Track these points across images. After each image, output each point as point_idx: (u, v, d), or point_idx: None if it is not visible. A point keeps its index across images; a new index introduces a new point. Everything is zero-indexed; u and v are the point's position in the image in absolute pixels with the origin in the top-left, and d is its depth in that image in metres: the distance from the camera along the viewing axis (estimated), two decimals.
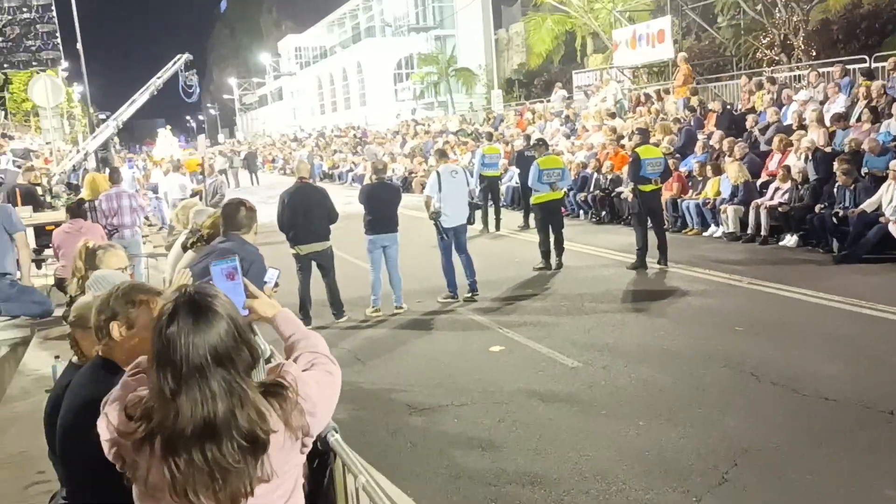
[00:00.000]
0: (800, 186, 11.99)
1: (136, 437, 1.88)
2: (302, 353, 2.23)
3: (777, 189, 12.44)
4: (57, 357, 4.57)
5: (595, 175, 16.72)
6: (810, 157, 12.24)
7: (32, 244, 10.01)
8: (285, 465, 1.98)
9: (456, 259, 9.99)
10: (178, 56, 21.35)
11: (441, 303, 9.81)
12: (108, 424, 1.98)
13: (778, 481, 4.71)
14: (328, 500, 2.85)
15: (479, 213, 13.48)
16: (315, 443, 3.01)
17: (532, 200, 11.73)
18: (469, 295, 9.89)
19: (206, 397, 1.83)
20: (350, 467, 2.57)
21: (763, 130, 14.66)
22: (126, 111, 19.34)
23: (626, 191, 14.11)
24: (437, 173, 9.93)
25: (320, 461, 2.92)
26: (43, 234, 11.28)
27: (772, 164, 13.35)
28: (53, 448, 3.01)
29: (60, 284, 8.11)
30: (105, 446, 1.98)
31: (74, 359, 3.17)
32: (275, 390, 1.95)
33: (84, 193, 13.57)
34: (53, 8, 16.13)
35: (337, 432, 2.82)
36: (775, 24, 19.87)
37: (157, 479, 1.87)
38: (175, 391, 1.83)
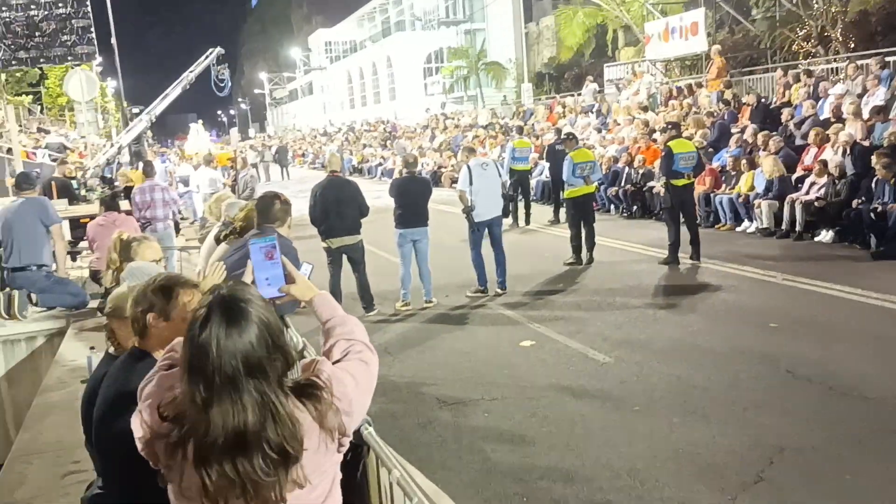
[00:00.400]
0: (836, 181, 11.78)
1: (170, 441, 1.86)
2: (338, 340, 2.18)
3: (813, 184, 12.24)
4: (92, 348, 4.61)
5: (626, 169, 16.57)
6: (848, 151, 12.02)
7: (67, 236, 10.15)
8: (321, 466, 1.95)
9: (488, 253, 9.95)
10: (211, 50, 21.48)
11: (470, 297, 9.78)
12: (141, 423, 1.97)
13: (815, 482, 4.63)
14: (361, 492, 2.84)
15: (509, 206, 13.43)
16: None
17: (564, 195, 11.64)
18: (498, 291, 9.86)
19: (237, 410, 1.79)
20: (384, 461, 2.55)
21: (798, 125, 14.42)
22: (159, 105, 19.52)
23: (658, 185, 14.00)
24: (468, 167, 9.87)
25: (353, 454, 2.91)
26: (78, 226, 11.43)
27: (807, 158, 13.12)
28: (90, 438, 3.03)
29: (95, 276, 8.20)
30: (139, 444, 1.97)
31: (111, 349, 3.20)
32: (309, 391, 1.91)
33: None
34: (88, 3, 16.29)
35: (370, 425, 2.80)
36: (812, 15, 19.51)
37: (190, 484, 1.85)
38: (207, 401, 1.80)
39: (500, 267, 9.93)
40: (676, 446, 5.22)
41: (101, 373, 3.05)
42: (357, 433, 2.87)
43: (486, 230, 9.91)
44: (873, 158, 11.28)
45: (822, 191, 11.95)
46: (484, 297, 9.77)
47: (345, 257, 9.20)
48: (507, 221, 13.20)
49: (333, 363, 2.09)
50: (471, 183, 9.71)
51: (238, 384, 1.80)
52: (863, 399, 5.76)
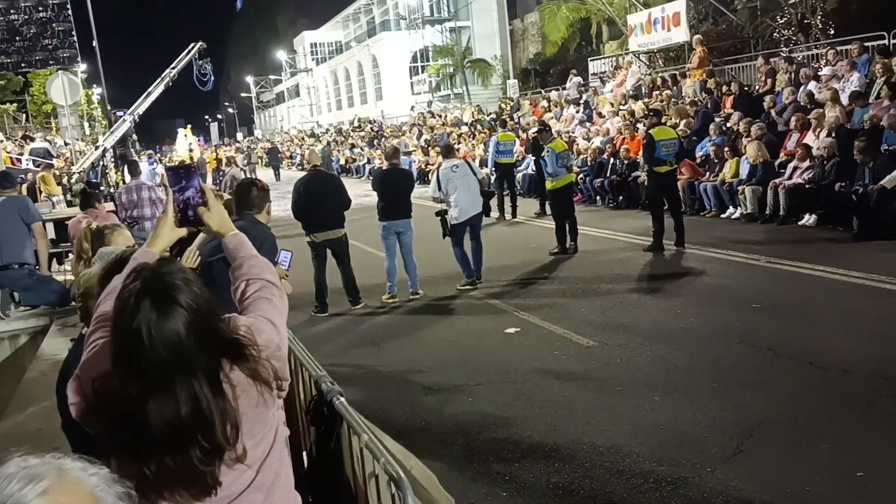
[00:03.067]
0: (825, 162, 11.81)
1: (106, 423, 1.82)
2: (247, 280, 2.21)
3: (796, 168, 12.31)
4: (73, 339, 4.60)
5: (611, 160, 16.63)
6: (833, 134, 12.09)
7: (52, 236, 10.12)
8: (264, 418, 1.96)
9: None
10: (192, 45, 21.38)
11: (461, 289, 9.78)
12: (76, 389, 1.94)
13: (793, 452, 4.67)
14: (336, 463, 2.87)
15: (494, 201, 13.39)
16: (322, 408, 3.03)
17: (550, 186, 11.65)
18: (470, 280, 9.81)
19: (172, 403, 1.76)
20: (354, 428, 2.58)
21: (780, 112, 14.50)
22: (142, 104, 19.46)
23: (642, 175, 14.06)
24: (437, 174, 9.94)
25: (327, 426, 2.94)
26: (64, 229, 11.40)
27: (790, 143, 13.20)
28: (64, 419, 3.04)
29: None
30: (72, 409, 1.95)
31: (84, 330, 3.20)
32: (235, 351, 1.89)
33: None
34: (69, 7, 16.32)
35: (342, 396, 2.83)
36: (792, 4, 19.62)
37: (127, 467, 1.77)
38: (142, 394, 1.76)
39: (477, 257, 9.92)
40: (658, 423, 5.26)
41: (73, 354, 3.06)
42: (329, 405, 2.90)
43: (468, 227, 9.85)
44: (855, 143, 11.38)
45: (810, 173, 12.00)
46: (474, 289, 9.75)
47: (329, 252, 9.22)
48: (494, 215, 13.21)
49: (242, 301, 2.12)
50: (440, 188, 9.70)
51: (170, 376, 1.77)
52: (841, 372, 5.82)
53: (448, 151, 10.61)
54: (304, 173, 10.32)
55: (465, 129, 28.53)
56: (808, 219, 11.73)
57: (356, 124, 45.96)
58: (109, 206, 11.41)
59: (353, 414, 2.66)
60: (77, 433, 2.77)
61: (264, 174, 36.98)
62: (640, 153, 13.84)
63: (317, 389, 3.01)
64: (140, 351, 1.76)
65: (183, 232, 2.54)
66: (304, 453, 3.25)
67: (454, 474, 4.85)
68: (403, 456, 2.41)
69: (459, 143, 25.65)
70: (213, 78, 22.41)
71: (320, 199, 8.95)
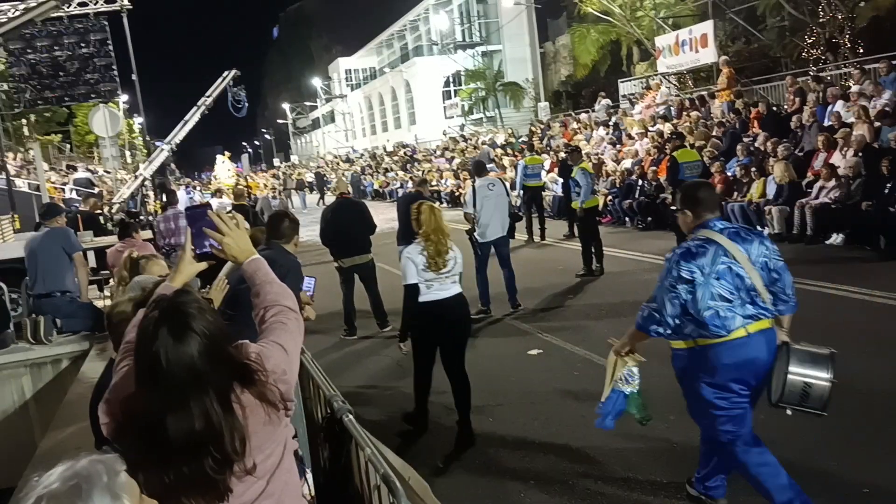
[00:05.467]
0: (852, 181, 11.81)
1: (133, 441, 2.05)
2: (266, 305, 2.41)
3: (822, 188, 12.32)
4: (112, 360, 4.88)
5: (640, 182, 16.73)
6: (859, 154, 12.10)
7: (93, 264, 10.52)
8: (273, 435, 2.19)
9: (496, 273, 10.00)
10: (226, 73, 21.96)
11: (474, 317, 9.86)
12: (107, 411, 2.21)
13: (801, 469, 4.74)
14: (346, 476, 3.07)
15: (523, 223, 13.49)
16: (334, 426, 3.24)
17: (581, 207, 11.69)
18: (512, 311, 9.87)
19: (187, 418, 1.99)
20: (359, 442, 2.78)
21: (807, 130, 14.50)
22: (179, 133, 20.01)
23: (669, 196, 14.13)
24: (473, 188, 9.98)
25: (338, 442, 3.14)
26: (104, 257, 11.83)
27: (817, 163, 13.21)
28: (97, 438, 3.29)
29: None
30: (104, 429, 2.23)
31: (114, 355, 3.46)
32: (246, 377, 2.11)
33: None
34: (110, 42, 16.94)
35: (351, 413, 3.03)
36: (820, 23, 19.61)
37: (149, 477, 1.98)
38: (161, 409, 2.00)
39: (510, 286, 9.95)
40: (671, 441, 5.38)
41: (104, 378, 3.32)
42: (339, 422, 3.11)
43: (493, 250, 9.95)
44: (883, 161, 11.38)
45: (834, 193, 12.01)
46: (488, 316, 9.78)
47: (357, 276, 9.46)
48: (522, 238, 13.35)
49: (261, 325, 2.34)
50: (475, 204, 9.77)
51: (185, 393, 2.00)
52: (855, 392, 5.86)
53: (480, 168, 10.69)
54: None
55: (499, 150, 28.79)
56: (836, 238, 11.72)
57: (389, 149, 46.53)
58: (147, 233, 11.82)
59: (360, 430, 2.87)
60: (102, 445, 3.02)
61: (310, 198, 37.67)
62: (665, 175, 13.93)
63: (329, 408, 3.22)
64: (159, 372, 2.01)
65: (201, 266, 2.77)
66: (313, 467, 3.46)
67: (470, 492, 5.03)
68: (402, 468, 2.61)
69: (492, 162, 25.89)
70: (247, 104, 22.97)
71: (347, 226, 9.22)
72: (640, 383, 4.71)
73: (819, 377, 4.04)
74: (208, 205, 2.70)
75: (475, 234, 9.76)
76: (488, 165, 15.88)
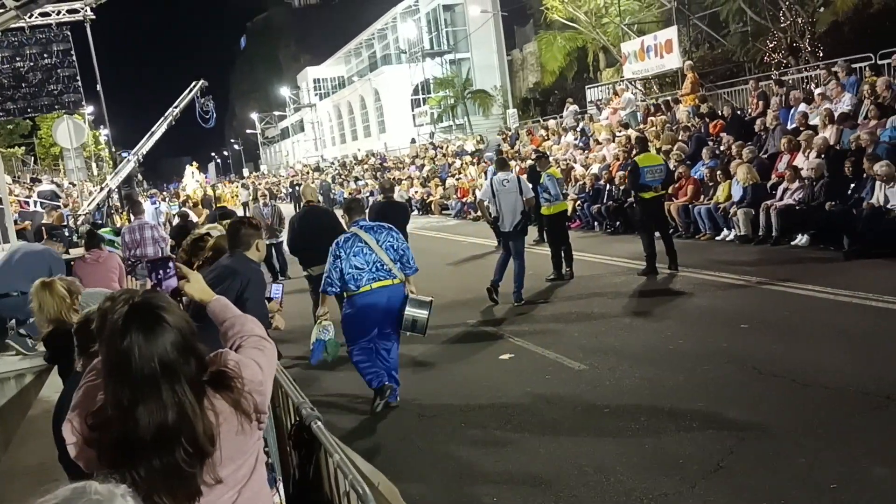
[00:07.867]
0: (815, 183, 11.99)
1: (102, 447, 2.03)
2: (236, 339, 2.42)
3: (786, 189, 12.50)
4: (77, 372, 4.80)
5: (608, 186, 16.86)
6: (822, 155, 12.29)
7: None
8: (244, 446, 2.17)
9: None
10: (194, 83, 21.80)
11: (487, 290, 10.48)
12: (72, 430, 2.16)
13: (771, 466, 4.81)
14: (316, 483, 3.04)
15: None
16: (303, 433, 3.21)
17: (548, 211, 11.80)
18: (514, 304, 10.24)
19: (159, 407, 1.98)
20: (328, 449, 2.75)
21: (770, 133, 14.72)
22: (146, 144, 19.82)
23: (630, 200, 14.28)
24: (491, 181, 10.68)
25: (307, 449, 3.12)
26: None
27: (781, 165, 13.41)
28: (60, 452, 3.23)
29: None
30: (71, 449, 2.16)
31: (78, 367, 3.39)
32: (222, 382, 2.11)
33: None
34: (73, 53, 16.70)
35: (320, 420, 3.01)
36: (781, 28, 19.95)
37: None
38: (132, 402, 1.99)
39: (518, 279, 10.38)
40: (642, 442, 5.41)
41: (69, 390, 3.25)
42: (308, 429, 3.08)
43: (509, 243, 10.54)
44: (846, 162, 11.59)
45: (800, 194, 12.18)
46: (492, 305, 10.35)
47: None
48: (492, 243, 13.40)
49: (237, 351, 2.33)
50: (493, 196, 10.45)
51: (158, 385, 2.00)
52: (822, 389, 5.96)
53: (502, 165, 11.27)
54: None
55: (467, 158, 28.87)
56: (801, 239, 11.89)
57: (358, 158, 46.46)
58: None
59: (329, 437, 2.84)
60: (73, 464, 2.97)
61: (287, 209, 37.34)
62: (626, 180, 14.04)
63: (297, 415, 3.19)
64: (130, 364, 1.99)
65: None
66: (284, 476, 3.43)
67: (443, 496, 5.01)
68: (372, 474, 2.59)
69: (460, 174, 26.02)
70: (215, 115, 22.85)
71: (316, 234, 9.15)
72: (333, 334, 6.64)
73: (421, 314, 6.53)
74: (170, 258, 2.90)
75: (497, 222, 10.72)
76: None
